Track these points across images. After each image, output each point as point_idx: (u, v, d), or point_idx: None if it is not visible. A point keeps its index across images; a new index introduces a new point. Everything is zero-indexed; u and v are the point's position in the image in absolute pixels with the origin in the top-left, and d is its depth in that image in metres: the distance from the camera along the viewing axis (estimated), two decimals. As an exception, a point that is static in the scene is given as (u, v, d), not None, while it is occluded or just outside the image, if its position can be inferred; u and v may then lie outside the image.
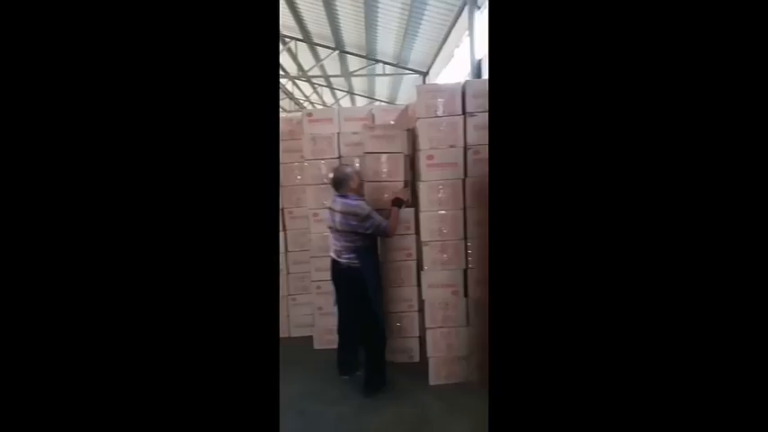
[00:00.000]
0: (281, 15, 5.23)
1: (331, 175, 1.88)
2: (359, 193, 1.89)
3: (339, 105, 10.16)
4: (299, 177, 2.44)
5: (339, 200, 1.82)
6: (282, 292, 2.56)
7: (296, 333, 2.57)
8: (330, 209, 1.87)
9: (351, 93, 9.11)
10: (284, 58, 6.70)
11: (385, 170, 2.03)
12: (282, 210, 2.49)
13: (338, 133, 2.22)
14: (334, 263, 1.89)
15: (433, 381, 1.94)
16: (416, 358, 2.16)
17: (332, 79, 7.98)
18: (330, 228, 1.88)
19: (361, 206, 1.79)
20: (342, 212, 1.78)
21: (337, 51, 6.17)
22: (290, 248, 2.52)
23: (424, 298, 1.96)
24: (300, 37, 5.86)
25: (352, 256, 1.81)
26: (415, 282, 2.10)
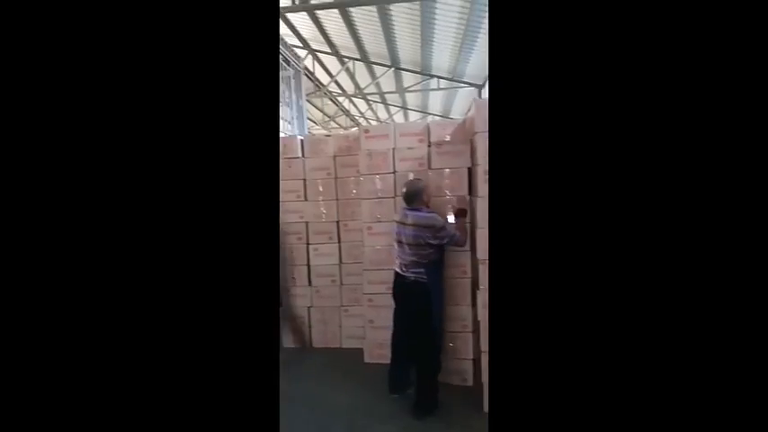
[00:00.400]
0: (341, 38, 5.54)
1: (404, 189, 1.89)
2: (429, 206, 1.90)
3: (393, 120, 10.36)
4: (354, 191, 2.52)
5: (410, 213, 1.82)
6: (335, 302, 2.62)
7: (347, 344, 2.61)
8: (400, 222, 1.86)
9: (404, 108, 9.27)
10: (343, 78, 7.06)
11: (448, 184, 2.07)
12: (338, 222, 2.58)
13: (393, 148, 2.25)
14: (399, 276, 1.88)
15: (487, 407, 1.83)
16: (470, 382, 2.05)
17: (386, 95, 8.20)
18: (398, 242, 1.87)
19: (435, 217, 1.80)
20: (414, 225, 1.78)
21: (393, 69, 6.34)
22: (343, 260, 2.59)
23: (479, 319, 1.87)
24: (358, 57, 6.13)
25: (420, 270, 1.80)
26: (469, 301, 2.02)
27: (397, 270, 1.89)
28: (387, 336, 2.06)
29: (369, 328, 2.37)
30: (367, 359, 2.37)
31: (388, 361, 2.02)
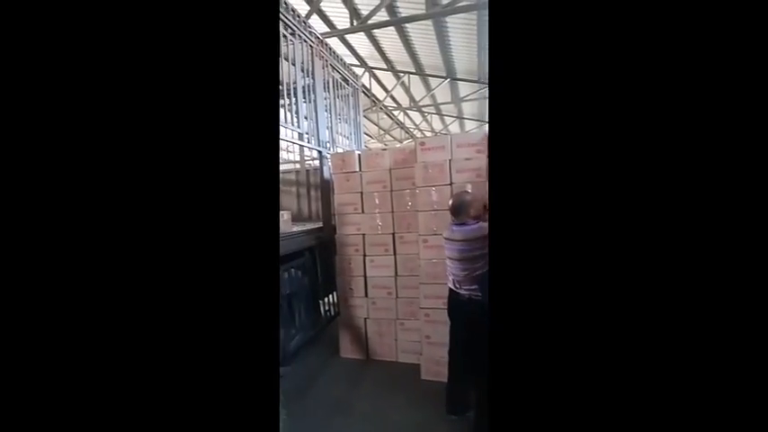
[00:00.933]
0: (397, 54, 5.67)
1: (450, 202, 1.86)
2: (478, 219, 1.83)
3: (448, 130, 10.25)
4: (409, 204, 2.51)
5: (457, 228, 1.79)
6: (391, 315, 2.61)
7: (403, 359, 2.57)
8: (449, 239, 1.82)
9: (460, 117, 9.13)
10: (397, 91, 7.19)
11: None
12: (393, 234, 2.59)
13: (450, 160, 2.21)
14: (453, 293, 1.83)
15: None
16: (536, 410, 1.88)
17: (441, 105, 8.16)
18: (449, 258, 1.83)
19: (482, 226, 1.74)
20: (463, 240, 1.74)
21: (448, 80, 6.31)
22: (399, 273, 2.58)
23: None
24: (413, 70, 6.21)
25: (474, 287, 1.73)
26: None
27: (451, 286, 1.84)
28: (444, 353, 1.99)
29: (425, 344, 2.31)
30: (424, 376, 2.32)
31: (446, 379, 1.95)
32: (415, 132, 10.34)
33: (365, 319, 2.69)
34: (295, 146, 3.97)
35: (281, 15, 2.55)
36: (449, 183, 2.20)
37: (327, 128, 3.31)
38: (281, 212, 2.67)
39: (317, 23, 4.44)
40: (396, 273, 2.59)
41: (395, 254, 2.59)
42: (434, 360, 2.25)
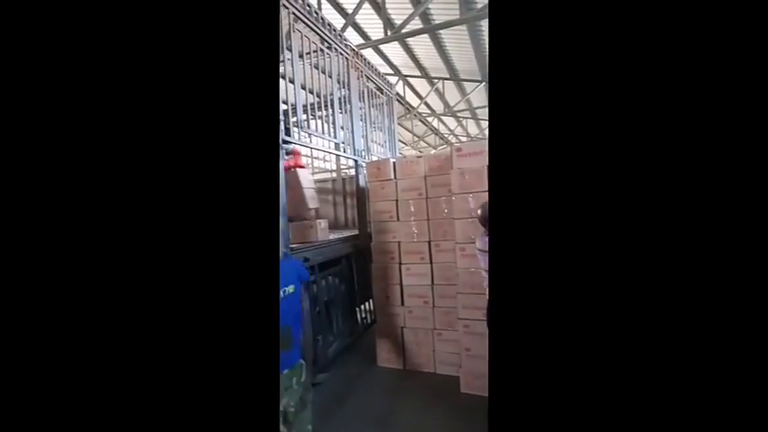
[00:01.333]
0: (431, 60, 5.66)
1: (479, 212, 1.81)
2: None
3: (484, 135, 10.02)
4: (445, 211, 2.47)
5: (488, 239, 1.73)
6: (428, 324, 2.56)
7: (441, 370, 2.51)
8: (481, 251, 1.78)
9: (497, 121, 8.90)
10: (432, 99, 7.17)
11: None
12: (429, 242, 2.55)
13: (487, 166, 2.15)
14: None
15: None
16: None
17: (477, 110, 8.01)
18: (486, 270, 1.79)
19: None
20: None
21: (484, 83, 6.18)
22: (435, 281, 2.53)
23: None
24: (447, 76, 6.16)
25: None
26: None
27: (489, 297, 1.76)
28: (484, 366, 1.91)
29: (465, 356, 2.24)
30: (463, 389, 2.23)
31: (487, 394, 1.86)
32: (450, 138, 10.21)
33: (402, 327, 2.66)
34: (331, 155, 4.08)
35: (317, 30, 2.64)
36: (487, 189, 2.14)
37: (362, 137, 3.36)
38: (318, 221, 2.74)
39: (352, 36, 4.55)
40: (432, 281, 2.54)
41: (431, 262, 2.55)
42: (474, 374, 2.16)
